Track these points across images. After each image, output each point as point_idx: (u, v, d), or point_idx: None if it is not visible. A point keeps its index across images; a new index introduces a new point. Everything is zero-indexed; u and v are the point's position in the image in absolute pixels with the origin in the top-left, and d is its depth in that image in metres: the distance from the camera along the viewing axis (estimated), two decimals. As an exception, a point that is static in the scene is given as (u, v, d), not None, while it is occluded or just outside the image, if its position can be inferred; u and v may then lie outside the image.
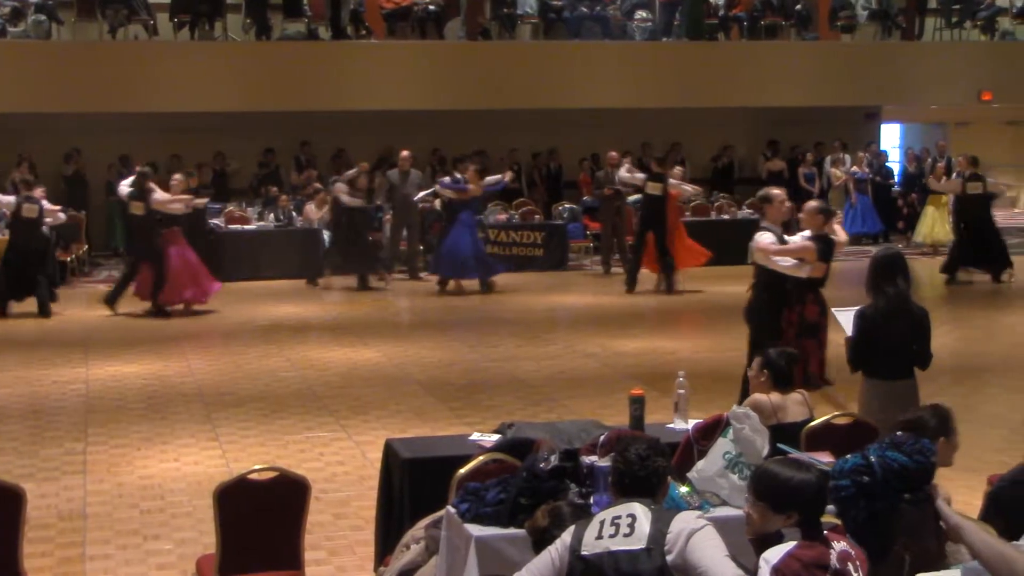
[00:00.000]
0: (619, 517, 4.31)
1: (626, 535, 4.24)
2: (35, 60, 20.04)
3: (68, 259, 18.86)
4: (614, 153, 19.92)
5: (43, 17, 20.61)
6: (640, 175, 17.59)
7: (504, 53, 21.70)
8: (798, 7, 23.39)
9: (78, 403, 11.22)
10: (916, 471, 4.20)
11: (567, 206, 21.00)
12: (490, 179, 17.93)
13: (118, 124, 20.92)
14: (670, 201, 17.07)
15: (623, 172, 18.11)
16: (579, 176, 22.03)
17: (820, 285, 9.51)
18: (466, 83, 21.01)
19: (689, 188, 18.03)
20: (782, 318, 9.39)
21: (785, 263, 9.39)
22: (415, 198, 18.48)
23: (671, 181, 17.16)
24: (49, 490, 8.55)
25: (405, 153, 18.87)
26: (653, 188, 17.00)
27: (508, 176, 18.46)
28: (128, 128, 21.06)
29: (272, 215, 19.49)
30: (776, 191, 10.16)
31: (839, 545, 4.05)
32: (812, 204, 10.03)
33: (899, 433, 4.50)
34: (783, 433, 6.25)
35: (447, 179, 17.80)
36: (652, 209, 17.11)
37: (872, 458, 4.18)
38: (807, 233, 9.55)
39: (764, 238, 9.50)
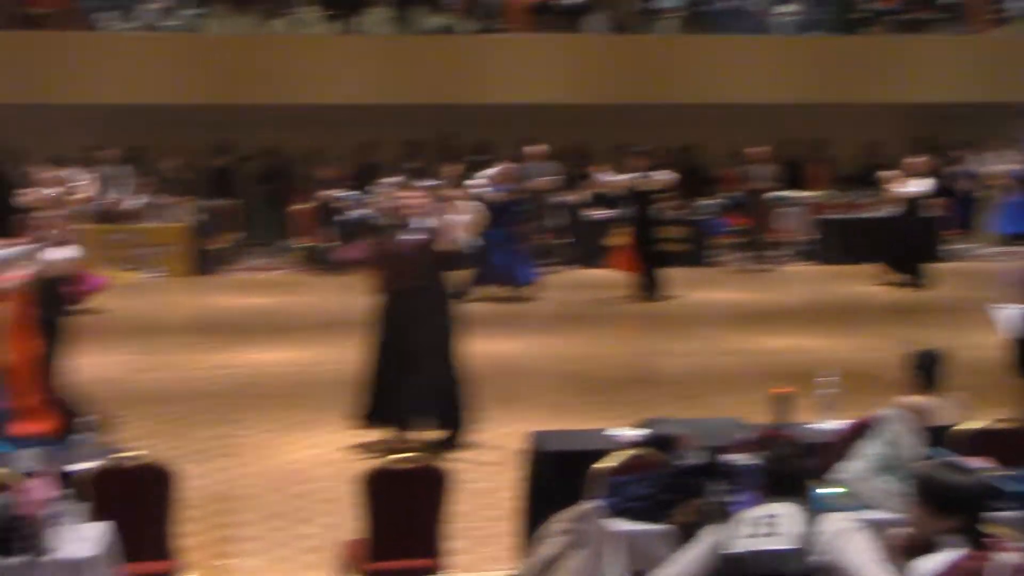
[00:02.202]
0: (765, 516, 4.29)
1: (772, 535, 4.21)
2: (186, 53, 20.63)
3: (219, 247, 19.37)
4: (757, 149, 19.71)
5: (196, 11, 21.19)
6: (624, 176, 16.92)
7: (646, 47, 21.57)
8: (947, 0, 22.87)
9: (229, 388, 11.49)
10: None
11: (710, 202, 20.81)
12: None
13: (266, 116, 21.32)
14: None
15: (605, 177, 17.45)
16: (723, 172, 21.82)
17: None
18: (608, 77, 20.93)
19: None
20: None
21: None
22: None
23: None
24: (200, 472, 8.76)
25: (537, 147, 18.88)
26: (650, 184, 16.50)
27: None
28: (276, 120, 21.45)
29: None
30: None
31: (1007, 556, 3.95)
32: None
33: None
34: (934, 436, 6.14)
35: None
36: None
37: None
38: None
39: None
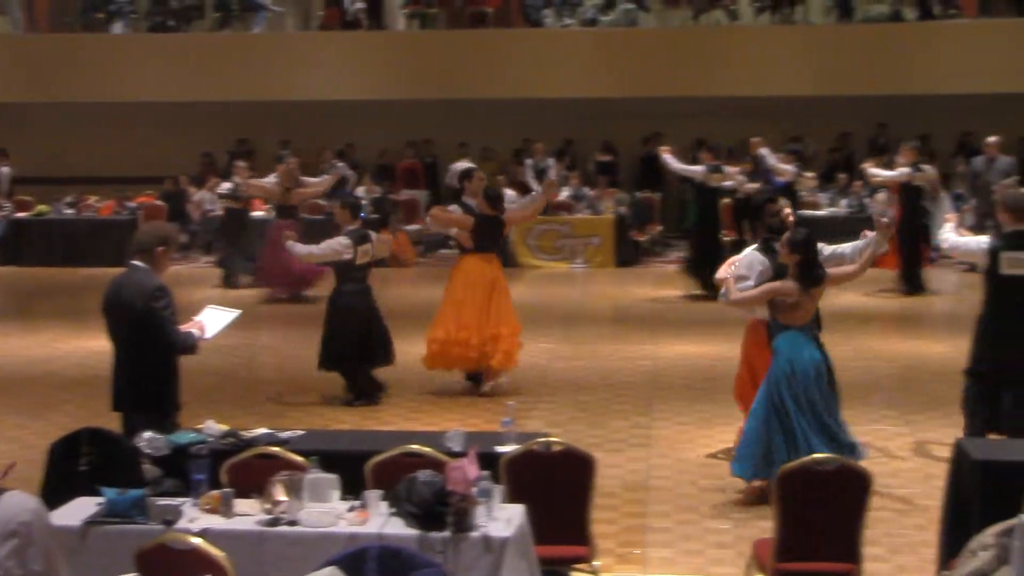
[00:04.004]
0: None
1: None
2: (622, 47, 21.04)
3: (642, 239, 19.58)
4: None
5: (631, 6, 21.58)
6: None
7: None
8: None
9: (645, 379, 11.58)
10: None
11: None
12: None
13: (695, 108, 21.38)
14: None
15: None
16: None
17: None
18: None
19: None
20: None
21: None
22: None
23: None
24: (616, 460, 8.86)
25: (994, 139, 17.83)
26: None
27: None
28: (704, 112, 21.45)
29: (844, 202, 19.25)
30: None
31: None
32: None
33: None
34: None
35: None
36: None
37: None
38: None
39: None
